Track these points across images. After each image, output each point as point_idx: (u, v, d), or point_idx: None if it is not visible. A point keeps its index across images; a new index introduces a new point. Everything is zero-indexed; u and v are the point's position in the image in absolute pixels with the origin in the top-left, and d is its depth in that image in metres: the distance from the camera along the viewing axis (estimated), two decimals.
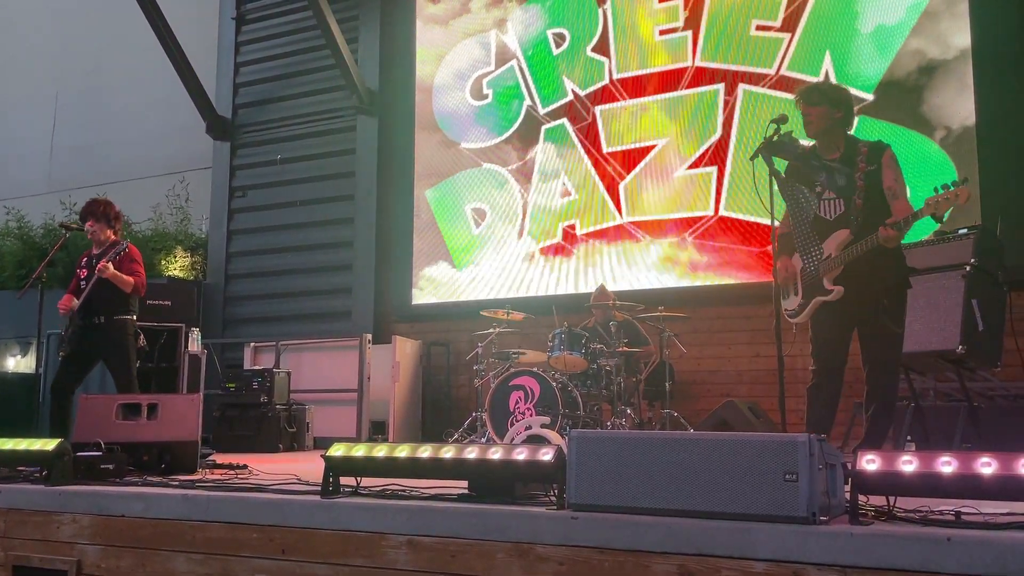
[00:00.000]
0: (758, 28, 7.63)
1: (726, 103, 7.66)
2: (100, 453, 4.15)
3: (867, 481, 2.62)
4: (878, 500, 2.70)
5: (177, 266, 9.97)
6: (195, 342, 7.74)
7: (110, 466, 4.11)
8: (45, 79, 12.70)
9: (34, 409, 7.84)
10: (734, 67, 7.67)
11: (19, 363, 9.99)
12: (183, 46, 9.73)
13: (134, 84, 11.73)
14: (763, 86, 7.53)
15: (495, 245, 8.56)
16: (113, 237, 5.72)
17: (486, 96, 8.87)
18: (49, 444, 4.04)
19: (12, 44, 13.16)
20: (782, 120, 4.24)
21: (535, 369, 6.46)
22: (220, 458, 5.42)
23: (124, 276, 5.43)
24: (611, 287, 7.73)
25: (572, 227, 8.21)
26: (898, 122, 7.04)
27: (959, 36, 6.93)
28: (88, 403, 4.57)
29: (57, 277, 9.41)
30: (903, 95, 7.05)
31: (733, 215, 7.51)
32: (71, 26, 12.62)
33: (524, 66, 8.69)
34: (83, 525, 3.71)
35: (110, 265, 5.37)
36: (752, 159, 4.34)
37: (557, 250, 8.25)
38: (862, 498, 2.64)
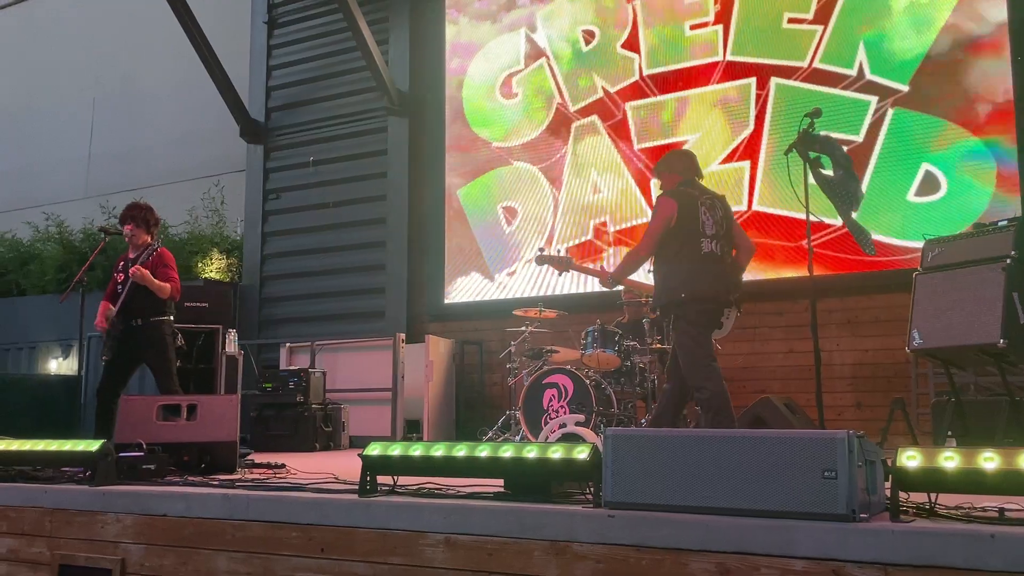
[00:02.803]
0: (790, 21, 7.55)
1: (758, 97, 7.60)
2: (142, 454, 4.22)
3: (908, 478, 2.60)
4: (919, 497, 2.67)
5: (213, 268, 10.09)
6: (232, 343, 7.84)
7: (152, 466, 4.18)
8: (83, 87, 12.92)
9: (76, 411, 7.99)
10: (766, 61, 7.60)
11: (61, 365, 10.17)
12: (216, 51, 9.85)
13: (169, 90, 11.90)
14: (796, 79, 7.45)
15: (527, 243, 8.56)
16: (149, 241, 5.80)
17: (516, 95, 8.87)
18: (92, 445, 4.12)
19: (51, 53, 13.40)
20: (816, 114, 4.22)
21: (568, 367, 6.45)
22: (258, 457, 5.49)
23: (158, 281, 5.50)
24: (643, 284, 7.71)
25: (603, 224, 8.19)
26: (934, 113, 6.94)
27: (995, 11, 6.82)
28: (129, 404, 4.65)
29: (97, 281, 9.58)
30: (938, 85, 6.95)
31: (766, 210, 7.45)
32: (107, 34, 12.82)
33: (554, 64, 8.68)
34: (126, 525, 3.78)
35: (143, 268, 5.43)
36: (787, 153, 4.31)
37: (589, 248, 8.23)
38: (903, 495, 2.61)
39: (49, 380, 8.98)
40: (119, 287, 5.65)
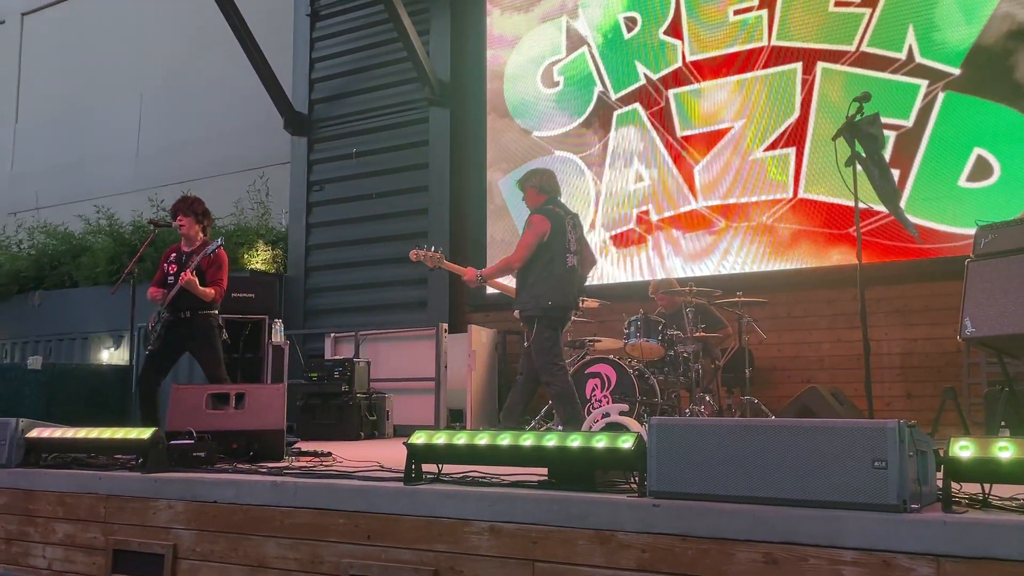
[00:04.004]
0: (837, 4, 7.41)
1: (804, 82, 7.48)
2: (192, 441, 4.30)
3: (961, 468, 2.55)
4: (972, 488, 2.62)
5: (259, 260, 10.23)
6: (278, 333, 7.96)
7: (202, 454, 4.26)
8: (130, 82, 13.15)
9: (128, 399, 8.16)
10: (812, 45, 7.48)
11: (113, 355, 10.40)
12: (260, 45, 9.96)
13: (214, 84, 12.06)
14: (843, 64, 7.32)
15: None
16: (202, 235, 5.88)
17: (558, 83, 8.84)
18: (144, 433, 4.21)
19: (99, 49, 13.65)
20: (865, 98, 4.14)
21: (611, 356, 6.44)
22: (304, 446, 5.56)
23: (204, 289, 5.58)
24: (686, 273, 7.66)
25: (646, 213, 8.14)
26: (987, 96, 6.77)
27: None
28: (180, 393, 4.73)
29: (147, 272, 9.75)
30: (992, 67, 6.78)
31: (813, 197, 7.34)
32: (153, 30, 13.03)
33: (596, 52, 8.63)
34: (178, 511, 3.85)
35: (194, 278, 5.52)
36: (834, 139, 4.24)
37: (631, 236, 8.19)
38: (955, 486, 2.57)
39: (101, 369, 9.18)
40: (169, 278, 5.75)
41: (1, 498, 4.47)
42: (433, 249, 5.70)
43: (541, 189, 5.43)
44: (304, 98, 10.33)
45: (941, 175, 6.87)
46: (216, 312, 5.79)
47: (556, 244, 5.24)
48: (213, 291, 5.65)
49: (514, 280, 5.41)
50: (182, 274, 5.54)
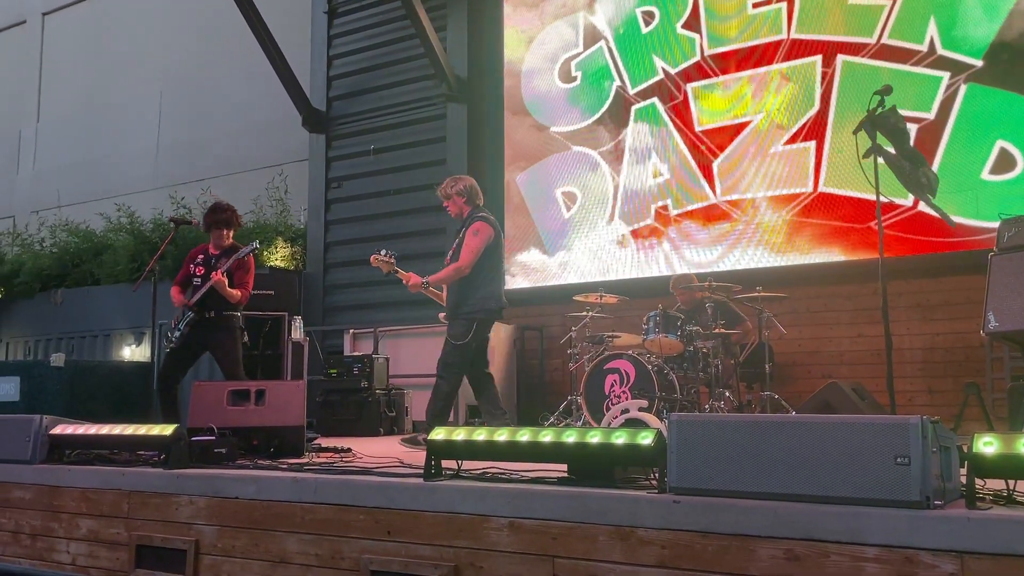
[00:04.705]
0: None
1: (824, 75, 7.42)
2: (213, 438, 4.33)
3: (985, 464, 2.52)
4: (996, 484, 2.59)
5: (278, 256, 10.28)
6: (297, 330, 7.99)
7: (223, 450, 4.29)
8: (150, 79, 13.23)
9: (149, 396, 8.22)
10: (832, 38, 7.41)
11: (134, 352, 10.48)
12: (278, 42, 9.99)
13: (233, 81, 12.12)
14: (863, 56, 7.25)
15: (586, 228, 8.52)
16: (231, 240, 6.01)
17: (575, 78, 8.82)
18: (167, 429, 4.24)
19: (119, 47, 13.75)
20: (886, 91, 4.11)
21: (630, 352, 6.41)
22: (324, 442, 5.59)
23: (232, 290, 5.74)
24: (705, 268, 7.62)
25: (664, 208, 8.11)
26: (1011, 88, 6.69)
27: None
28: (201, 389, 4.77)
29: (168, 270, 9.83)
30: (1015, 58, 6.69)
31: (833, 191, 7.28)
32: (172, 27, 13.11)
33: (613, 46, 8.60)
34: (200, 507, 3.88)
35: (224, 279, 5.66)
36: (855, 133, 4.20)
37: (649, 232, 8.16)
38: (979, 482, 2.54)
39: (123, 366, 9.25)
40: (196, 279, 5.86)
41: (26, 494, 4.52)
42: (386, 253, 5.77)
43: (469, 198, 5.66)
44: (322, 95, 10.36)
45: (963, 168, 6.80)
46: (239, 314, 5.93)
47: (498, 250, 5.60)
48: (239, 293, 5.80)
49: (444, 288, 5.64)
50: (213, 274, 5.66)
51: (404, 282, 5.67)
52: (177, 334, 5.84)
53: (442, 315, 5.69)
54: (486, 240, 5.48)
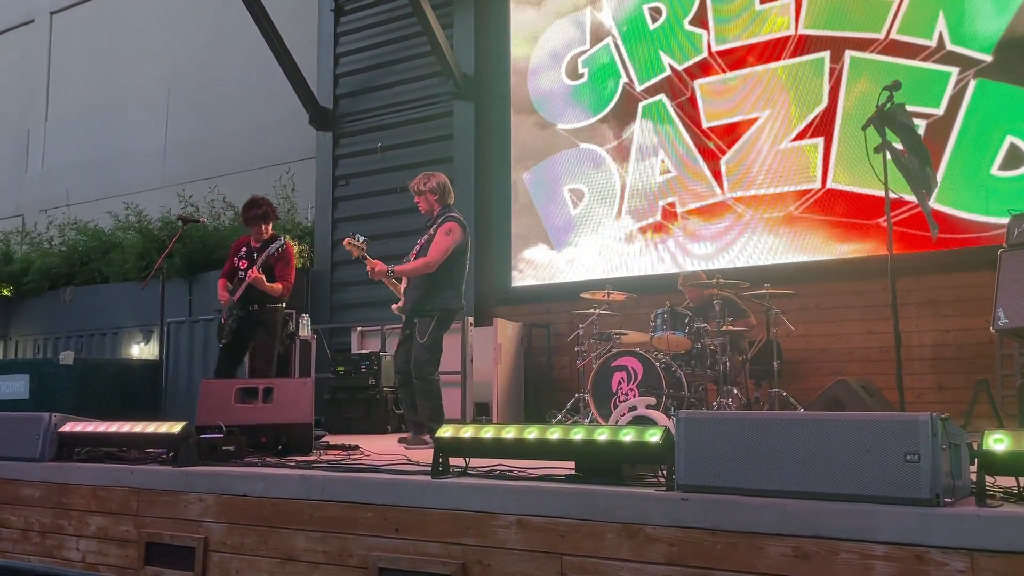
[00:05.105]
0: None
1: (832, 71, 7.39)
2: (221, 435, 4.34)
3: (995, 461, 2.51)
4: (1006, 482, 2.58)
5: None
6: (305, 327, 8.01)
7: (231, 448, 4.30)
8: (157, 78, 13.26)
9: (158, 394, 8.26)
10: (840, 33, 7.38)
11: (143, 350, 10.51)
12: (285, 40, 9.99)
13: (240, 80, 12.13)
14: (872, 52, 7.22)
15: (593, 225, 8.51)
16: (270, 232, 6.14)
17: (582, 75, 8.80)
18: (175, 427, 4.25)
19: (127, 48, 13.78)
20: (895, 87, 4.08)
21: (638, 349, 6.41)
22: (332, 439, 5.60)
23: (270, 285, 5.87)
24: (713, 265, 7.61)
25: (672, 205, 8.09)
26: (1021, 83, 6.65)
27: None
28: (209, 387, 4.78)
29: (176, 268, 9.87)
30: None
31: (842, 187, 7.26)
32: (180, 26, 13.13)
33: (620, 43, 8.58)
34: (208, 504, 3.89)
35: (261, 275, 5.81)
36: (864, 128, 4.18)
37: (657, 229, 8.14)
38: (989, 479, 2.53)
39: (132, 364, 9.27)
40: (240, 272, 6.01)
41: (35, 491, 4.54)
42: (360, 239, 5.75)
43: (441, 196, 5.74)
44: (329, 93, 10.37)
45: (973, 163, 6.76)
46: (282, 306, 6.10)
47: (465, 252, 5.68)
48: (280, 286, 5.95)
49: (404, 280, 5.69)
50: (249, 271, 5.81)
51: (368, 268, 5.65)
52: (226, 329, 6.00)
53: (395, 307, 5.74)
54: (456, 241, 5.55)
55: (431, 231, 5.64)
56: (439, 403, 5.52)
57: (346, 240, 5.80)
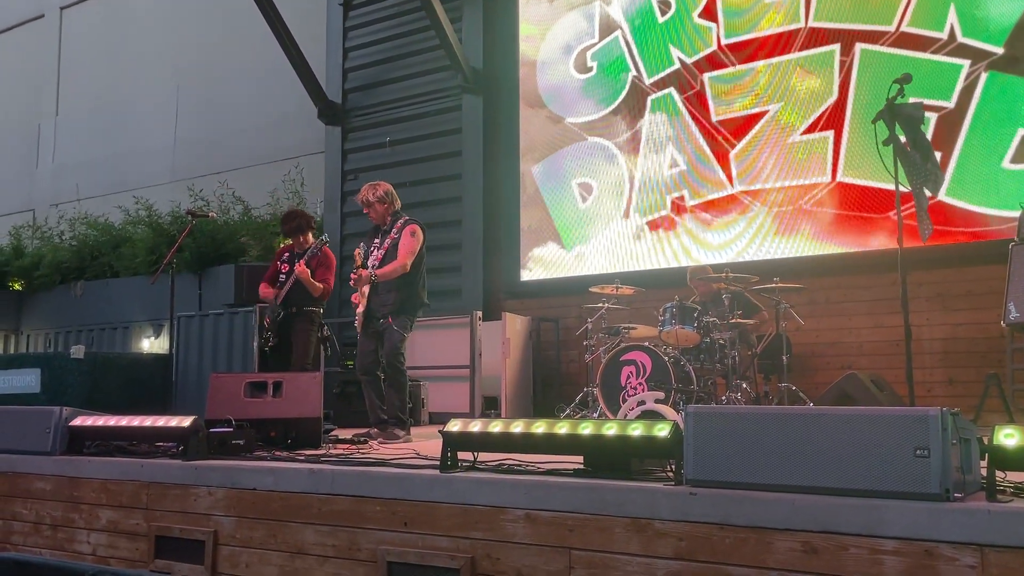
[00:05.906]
0: None
1: (842, 64, 7.35)
2: (231, 429, 4.35)
3: (1006, 456, 2.50)
4: (1017, 476, 2.57)
5: None
6: None
7: (240, 441, 4.32)
8: (166, 73, 13.29)
9: (168, 388, 8.29)
10: (851, 26, 7.34)
11: (153, 345, 10.56)
12: (293, 34, 10.00)
13: (249, 75, 12.14)
14: (882, 44, 7.18)
15: (602, 219, 8.49)
16: (311, 240, 6.38)
17: (591, 69, 8.78)
18: (185, 421, 4.27)
19: (137, 43, 13.81)
20: (906, 80, 4.06)
21: (646, 343, 6.40)
22: (341, 433, 5.61)
23: (313, 281, 6.13)
24: (722, 258, 7.59)
25: (681, 199, 8.06)
26: None
27: None
28: (218, 381, 4.80)
29: (185, 262, 9.89)
30: None
31: (852, 181, 7.22)
32: (188, 22, 13.15)
33: (629, 36, 8.55)
34: (218, 498, 3.91)
35: (307, 270, 6.07)
36: (874, 122, 4.16)
37: (666, 222, 8.12)
38: (1000, 474, 2.52)
39: (142, 359, 9.31)
40: (282, 276, 6.27)
41: (47, 485, 4.57)
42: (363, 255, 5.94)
43: (391, 203, 5.98)
44: (338, 87, 10.37)
45: (984, 157, 6.72)
46: (320, 310, 6.35)
47: (425, 252, 6.00)
48: (321, 287, 6.19)
49: (367, 288, 5.90)
50: (297, 264, 6.08)
51: (354, 277, 5.87)
52: (268, 333, 6.21)
53: (359, 321, 5.90)
54: (421, 241, 5.89)
55: (393, 236, 5.88)
56: (407, 395, 5.84)
57: (356, 250, 5.98)
